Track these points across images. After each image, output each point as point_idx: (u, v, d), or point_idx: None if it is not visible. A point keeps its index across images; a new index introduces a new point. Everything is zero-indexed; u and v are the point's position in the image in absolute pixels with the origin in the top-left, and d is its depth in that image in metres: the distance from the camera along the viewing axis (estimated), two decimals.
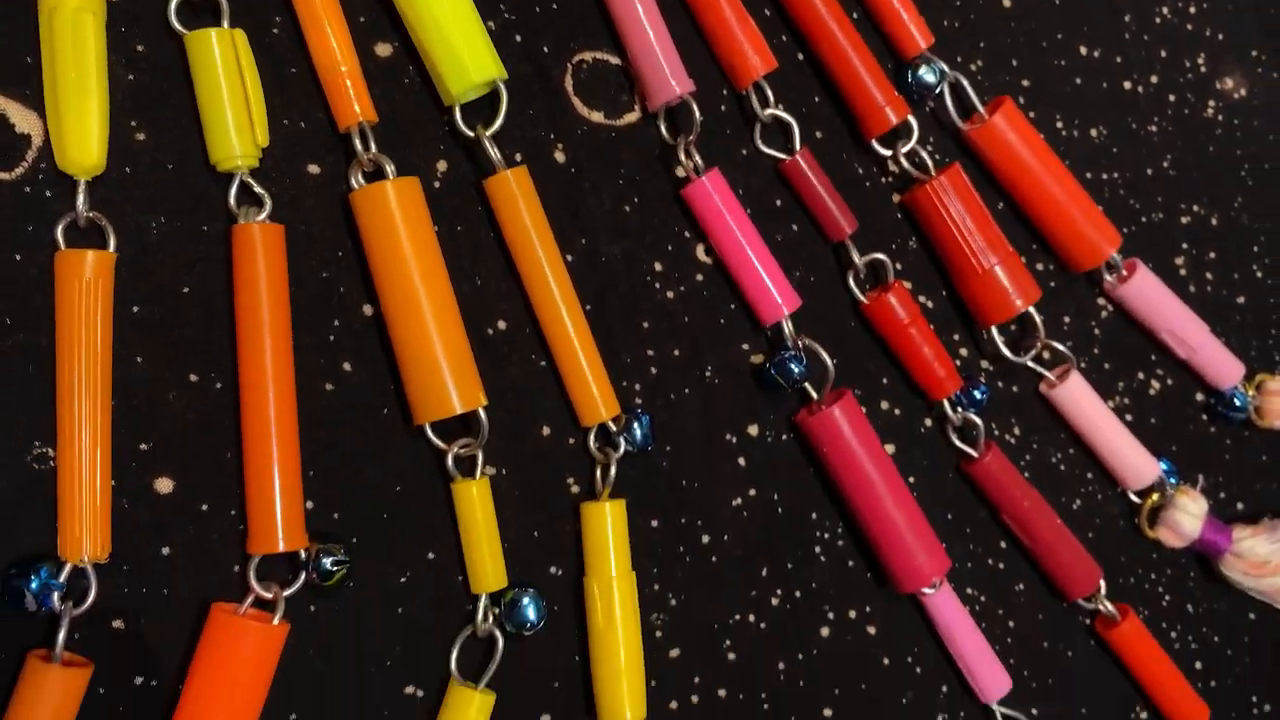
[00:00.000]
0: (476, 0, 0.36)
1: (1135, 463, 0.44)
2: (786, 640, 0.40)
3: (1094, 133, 0.47)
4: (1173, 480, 0.45)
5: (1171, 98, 0.48)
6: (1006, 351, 0.43)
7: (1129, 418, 0.46)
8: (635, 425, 0.37)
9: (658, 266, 0.39)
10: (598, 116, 0.39)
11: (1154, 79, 0.48)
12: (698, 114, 0.38)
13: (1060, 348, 0.43)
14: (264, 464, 0.33)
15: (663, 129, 0.39)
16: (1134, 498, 0.45)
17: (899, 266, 0.42)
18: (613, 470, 0.37)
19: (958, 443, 0.42)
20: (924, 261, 0.43)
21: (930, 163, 0.42)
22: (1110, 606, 0.43)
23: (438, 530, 0.36)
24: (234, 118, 0.33)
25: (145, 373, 0.33)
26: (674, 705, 0.38)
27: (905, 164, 0.42)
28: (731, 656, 0.39)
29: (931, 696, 0.41)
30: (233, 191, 0.34)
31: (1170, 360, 0.47)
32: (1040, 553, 0.42)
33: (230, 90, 0.33)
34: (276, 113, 0.35)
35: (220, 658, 0.32)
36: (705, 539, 0.39)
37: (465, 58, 0.35)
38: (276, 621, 0.32)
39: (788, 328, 0.39)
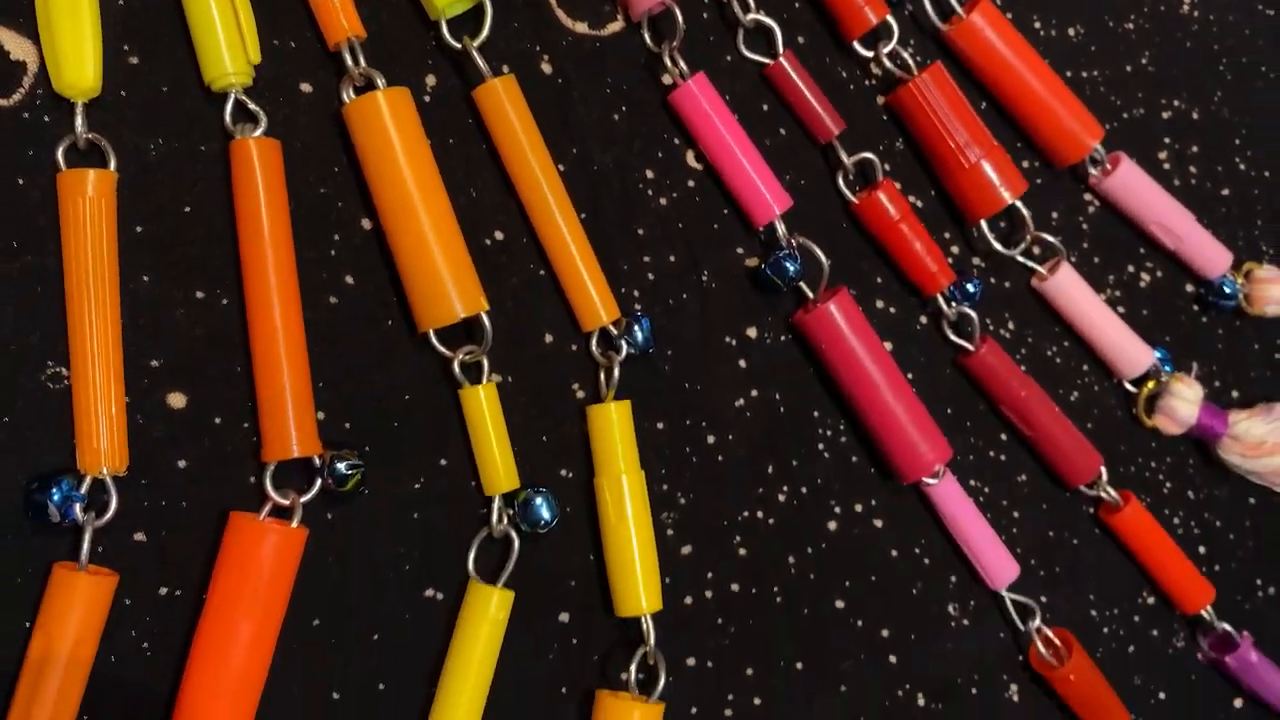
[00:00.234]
0: None
1: (1129, 351, 0.45)
2: (795, 535, 0.40)
3: (1071, 31, 0.47)
4: (1167, 368, 0.46)
5: None
6: (997, 245, 0.43)
7: (1121, 310, 0.46)
8: (636, 328, 0.38)
9: (649, 174, 0.39)
10: (582, 27, 0.39)
11: None
12: (681, 20, 0.39)
13: (1050, 239, 0.44)
14: (274, 373, 0.33)
15: (646, 37, 0.39)
16: (1130, 387, 0.46)
17: (887, 168, 0.43)
18: (616, 373, 0.38)
19: (953, 337, 0.43)
20: (911, 163, 0.44)
21: (912, 63, 0.42)
22: (1113, 492, 0.44)
23: (448, 437, 0.36)
24: (225, 35, 0.34)
25: (151, 291, 0.33)
26: (688, 601, 0.39)
27: (888, 64, 0.42)
28: (742, 552, 0.39)
29: (941, 586, 0.42)
30: (228, 109, 0.34)
31: (1159, 253, 0.47)
32: (1040, 442, 0.43)
33: (220, 8, 0.33)
34: (266, 34, 0.35)
35: (242, 562, 0.32)
36: (710, 439, 0.39)
37: None
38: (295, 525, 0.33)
39: (781, 227, 0.40)
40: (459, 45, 0.36)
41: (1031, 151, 0.45)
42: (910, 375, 0.42)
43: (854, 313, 0.40)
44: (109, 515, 0.32)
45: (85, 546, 0.31)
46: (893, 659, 0.41)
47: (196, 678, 0.32)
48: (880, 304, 0.42)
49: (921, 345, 0.43)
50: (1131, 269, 0.47)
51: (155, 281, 0.33)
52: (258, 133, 0.34)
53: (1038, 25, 0.47)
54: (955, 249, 0.44)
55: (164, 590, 0.33)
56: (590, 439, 0.37)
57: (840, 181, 0.42)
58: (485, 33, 0.37)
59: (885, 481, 0.42)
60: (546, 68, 0.39)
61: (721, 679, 0.39)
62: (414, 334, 0.36)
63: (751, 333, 0.40)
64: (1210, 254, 0.47)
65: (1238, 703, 0.47)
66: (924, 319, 0.43)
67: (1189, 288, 0.48)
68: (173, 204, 0.34)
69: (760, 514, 0.40)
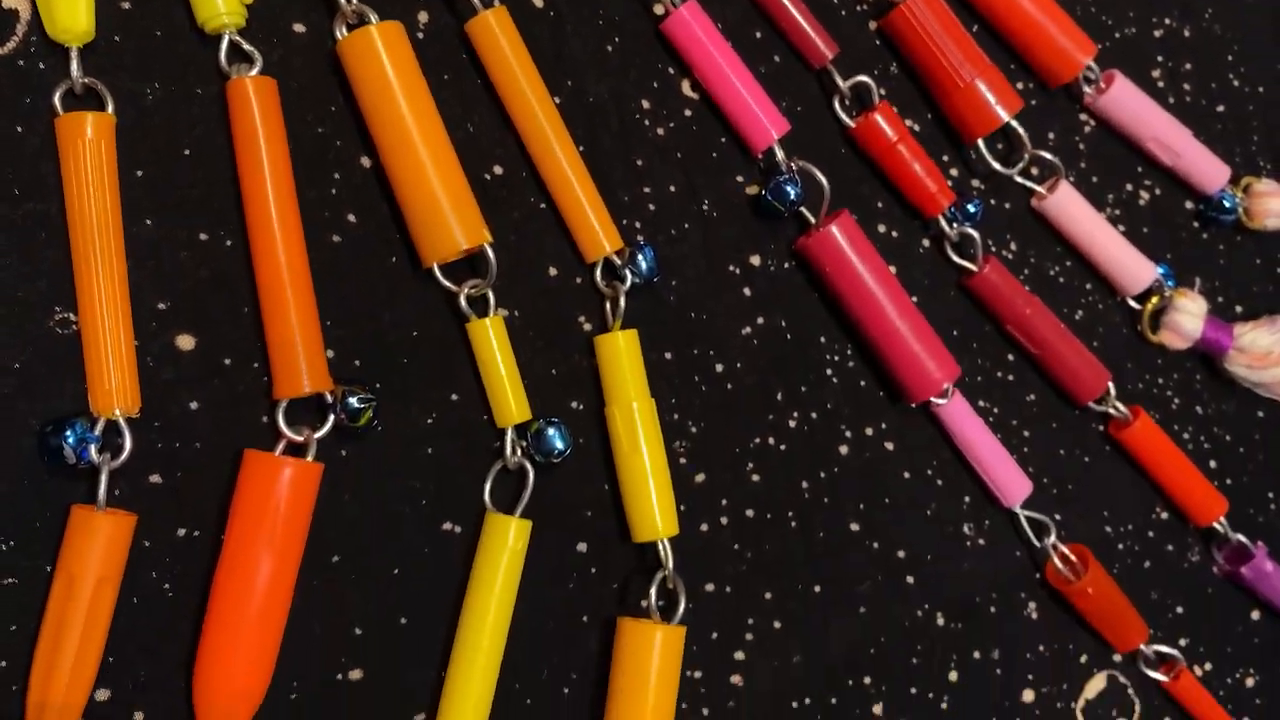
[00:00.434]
0: None
1: (1132, 267, 0.45)
2: (807, 460, 0.40)
3: None
4: (1170, 283, 0.46)
5: None
6: (995, 164, 0.43)
7: (1121, 229, 0.46)
8: (639, 256, 0.38)
9: (645, 104, 0.39)
10: None
11: None
12: None
13: (1048, 156, 0.44)
14: (281, 310, 0.33)
15: None
16: (1134, 304, 0.46)
17: (882, 92, 0.43)
18: (622, 303, 0.38)
19: (956, 259, 0.43)
20: (906, 88, 0.44)
21: None
22: (1122, 407, 0.44)
23: (457, 372, 0.36)
24: None
25: (155, 234, 0.33)
26: (704, 528, 0.39)
27: None
28: (755, 478, 0.40)
29: (954, 507, 0.42)
30: (223, 51, 0.34)
31: (1157, 170, 0.48)
32: (1047, 359, 0.43)
33: None
34: None
35: (259, 498, 0.32)
36: (719, 368, 0.40)
37: None
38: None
39: (780, 152, 0.40)
40: None
41: (1025, 74, 0.46)
42: (915, 299, 0.42)
43: (856, 234, 0.40)
44: (124, 456, 0.32)
45: (102, 487, 0.31)
46: (910, 580, 0.41)
47: (219, 615, 0.32)
48: (882, 228, 0.42)
49: (925, 269, 0.43)
50: (1130, 188, 0.47)
51: (158, 225, 0.33)
52: (253, 73, 0.34)
53: None
54: (954, 172, 0.44)
55: (182, 531, 0.33)
56: (599, 368, 0.37)
57: (836, 106, 0.42)
58: None
59: (895, 404, 0.42)
60: (538, 2, 0.38)
61: (740, 603, 0.39)
62: (419, 270, 0.36)
63: (755, 260, 0.40)
64: (1208, 168, 0.47)
65: (1255, 614, 0.47)
66: (926, 242, 0.43)
67: (1188, 204, 0.48)
68: (172, 147, 0.34)
69: (771, 440, 0.40)
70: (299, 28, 0.36)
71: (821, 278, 0.40)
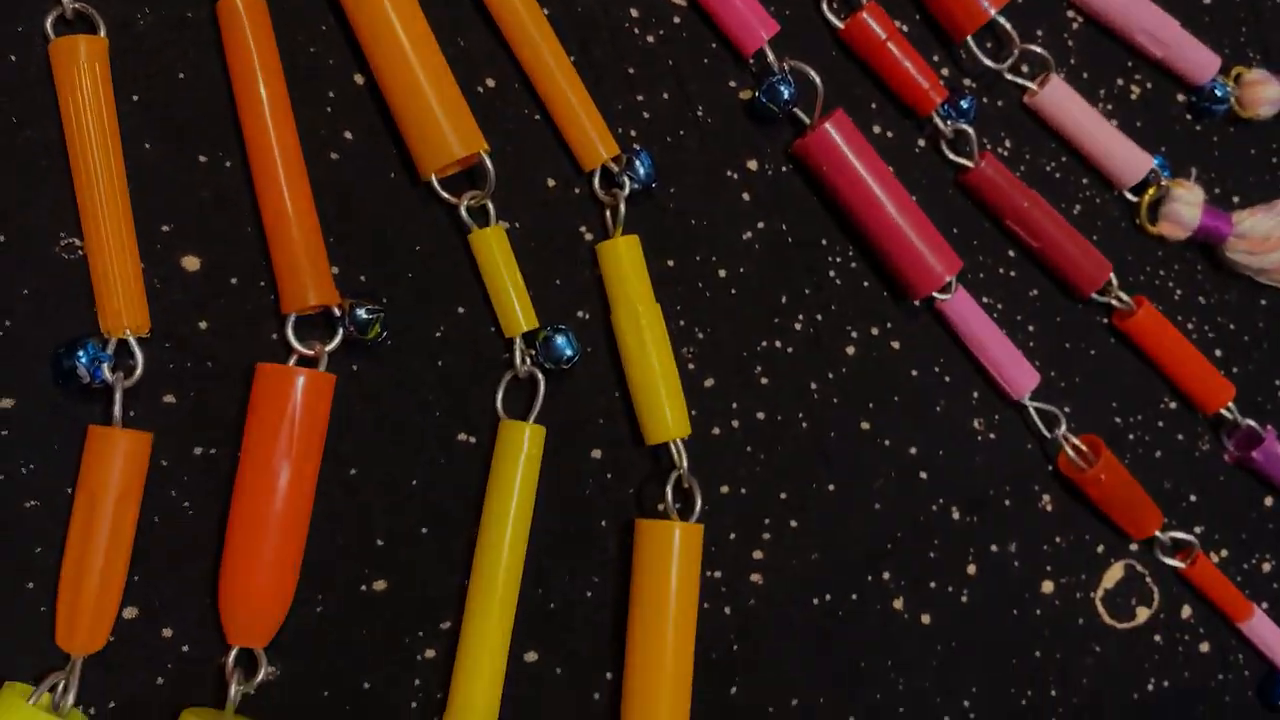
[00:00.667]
0: None
1: (1127, 159, 0.45)
2: (814, 362, 0.41)
3: None
4: (1166, 174, 0.46)
5: None
6: (986, 60, 0.43)
7: (1114, 124, 0.46)
8: (637, 162, 0.38)
9: (634, 13, 0.39)
10: None
11: None
12: None
13: (1038, 50, 0.44)
14: (284, 226, 0.33)
15: None
16: (1130, 196, 0.46)
17: None
18: (621, 209, 0.38)
19: (952, 156, 0.43)
20: None
21: None
22: (1125, 297, 0.44)
23: (463, 285, 0.36)
24: None
25: (154, 158, 0.34)
26: (716, 431, 0.39)
27: None
28: (764, 381, 0.40)
29: (964, 403, 0.42)
30: None
31: (1147, 63, 0.47)
32: (1048, 252, 0.43)
33: None
34: None
35: (274, 409, 0.32)
36: (722, 273, 0.40)
37: None
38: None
39: (771, 53, 0.40)
40: None
41: None
42: (914, 199, 0.42)
43: (852, 132, 0.40)
44: (137, 375, 0.32)
45: (117, 406, 0.32)
46: (923, 475, 0.41)
47: (241, 527, 0.32)
48: (877, 129, 0.43)
49: (922, 168, 0.43)
50: (1121, 82, 0.47)
51: (157, 148, 0.34)
52: None
53: None
54: (945, 71, 0.44)
55: (199, 450, 0.33)
56: (603, 276, 0.38)
57: (824, 8, 0.42)
58: None
59: (899, 304, 0.42)
60: None
61: (756, 503, 0.39)
62: (417, 184, 0.36)
63: (752, 165, 0.41)
64: (1198, 58, 0.47)
65: (1268, 501, 0.47)
66: (922, 142, 0.43)
67: (1180, 97, 0.48)
68: (166, 72, 0.34)
69: (779, 343, 0.40)
70: None
71: (820, 178, 0.40)
